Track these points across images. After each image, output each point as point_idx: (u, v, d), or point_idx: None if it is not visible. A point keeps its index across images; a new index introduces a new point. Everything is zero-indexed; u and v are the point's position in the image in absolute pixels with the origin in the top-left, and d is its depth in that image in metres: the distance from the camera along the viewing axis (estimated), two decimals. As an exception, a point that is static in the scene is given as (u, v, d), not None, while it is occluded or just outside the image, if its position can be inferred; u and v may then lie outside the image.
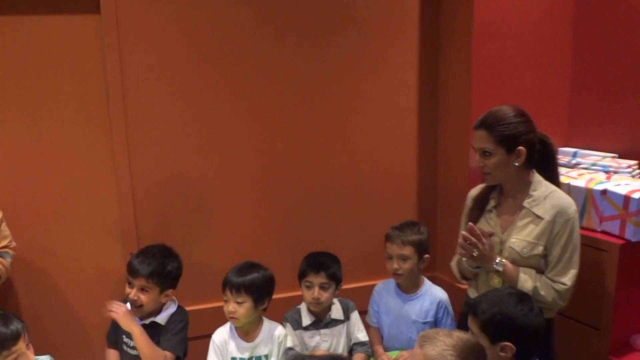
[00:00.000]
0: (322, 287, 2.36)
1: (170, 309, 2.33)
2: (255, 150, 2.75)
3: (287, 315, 2.46)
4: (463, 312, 2.17)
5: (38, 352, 2.07)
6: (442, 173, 3.02)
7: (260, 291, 2.27)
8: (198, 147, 2.67)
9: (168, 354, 2.21)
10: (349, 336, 2.47)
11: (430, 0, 2.87)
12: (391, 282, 2.55)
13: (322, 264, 2.37)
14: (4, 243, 2.31)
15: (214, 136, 2.68)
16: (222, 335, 2.34)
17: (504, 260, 2.07)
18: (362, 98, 2.85)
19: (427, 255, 2.45)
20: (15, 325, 1.91)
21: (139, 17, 2.48)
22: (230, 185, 2.75)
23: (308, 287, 2.38)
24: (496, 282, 2.11)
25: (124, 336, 2.30)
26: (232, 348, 2.32)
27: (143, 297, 2.21)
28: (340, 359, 1.59)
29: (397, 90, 2.90)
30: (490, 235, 2.09)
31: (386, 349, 2.51)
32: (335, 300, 2.47)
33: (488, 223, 2.17)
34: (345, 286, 2.55)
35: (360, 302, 2.58)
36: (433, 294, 2.49)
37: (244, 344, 2.32)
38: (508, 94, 2.74)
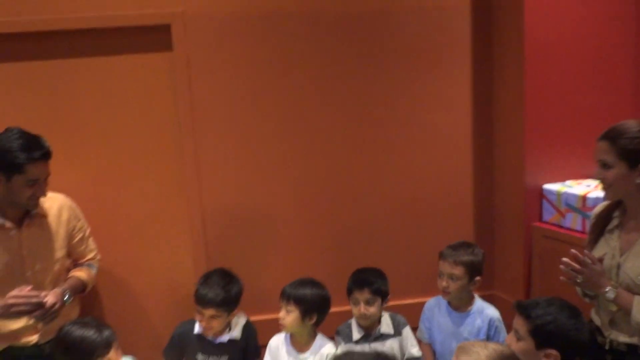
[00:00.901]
0: (368, 302, 2.43)
1: (241, 322, 2.53)
2: (314, 176, 2.89)
3: (339, 329, 2.56)
4: None
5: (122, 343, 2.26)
6: (499, 193, 3.03)
7: (309, 305, 2.39)
8: (260, 174, 2.84)
9: None
10: (402, 351, 2.52)
11: (482, 23, 2.91)
12: (442, 300, 2.59)
13: (365, 280, 2.46)
14: (90, 256, 2.57)
15: (274, 164, 2.85)
16: (277, 341, 2.51)
17: (616, 288, 1.92)
18: (417, 121, 2.93)
19: (478, 278, 2.48)
20: (108, 333, 2.08)
21: (208, 54, 2.71)
22: (290, 209, 2.90)
23: (355, 303, 2.47)
24: (611, 306, 1.96)
25: (199, 354, 2.49)
26: (284, 354, 2.46)
27: (215, 324, 2.42)
28: (385, 356, 1.67)
29: (451, 113, 2.96)
30: (600, 260, 1.96)
31: (440, 366, 2.55)
32: (385, 315, 2.53)
33: (607, 243, 2.03)
34: (397, 302, 2.64)
35: (412, 318, 2.64)
36: (484, 312, 2.51)
37: (295, 354, 2.45)
38: (564, 116, 2.75)
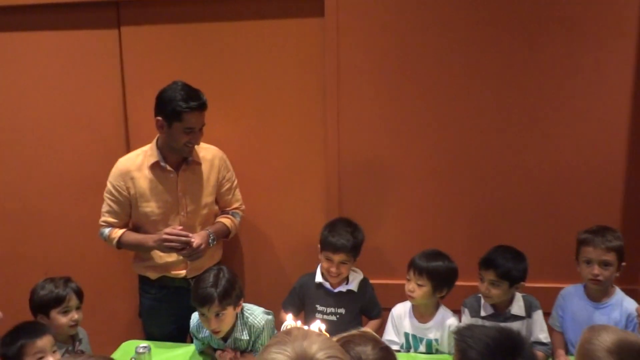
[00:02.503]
0: (492, 284, 2.36)
1: (358, 277, 2.61)
2: (455, 147, 2.82)
3: (466, 301, 2.52)
4: None
5: (251, 302, 2.45)
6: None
7: (440, 279, 2.39)
8: (401, 140, 2.83)
9: None
10: (529, 335, 2.42)
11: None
12: (580, 288, 2.46)
13: (492, 261, 2.37)
14: (236, 205, 2.78)
15: (417, 131, 2.82)
16: (400, 310, 2.54)
17: None
18: (569, 97, 2.74)
19: (624, 263, 2.34)
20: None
21: (357, 22, 2.75)
22: (428, 178, 2.86)
23: (481, 280, 2.42)
24: None
25: (317, 305, 2.60)
26: (407, 324, 2.49)
27: (344, 270, 2.52)
28: (509, 332, 1.60)
29: (608, 90, 2.72)
30: None
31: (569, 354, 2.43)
32: (518, 296, 2.44)
33: None
34: (531, 284, 2.52)
35: (545, 302, 2.52)
36: (624, 305, 2.36)
37: (417, 324, 2.47)
38: None
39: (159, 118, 2.45)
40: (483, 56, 2.74)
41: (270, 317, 2.38)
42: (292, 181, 2.97)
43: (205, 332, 2.33)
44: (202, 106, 2.45)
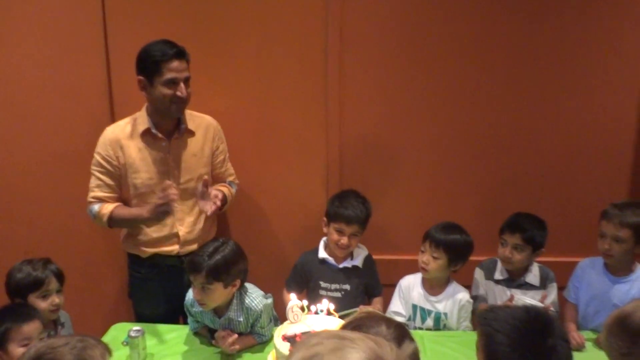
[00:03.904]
0: (515, 248, 2.33)
1: (363, 253, 2.53)
2: (459, 115, 2.73)
3: (483, 263, 2.51)
4: None
5: (249, 281, 2.30)
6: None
7: (456, 253, 2.33)
8: (404, 110, 2.74)
9: None
10: (539, 305, 2.38)
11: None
12: (599, 261, 2.39)
13: (519, 225, 2.35)
14: (230, 179, 2.62)
15: (420, 100, 2.72)
16: (409, 281, 2.47)
17: None
18: (584, 69, 2.65)
19: None
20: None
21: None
22: (431, 150, 2.78)
23: (502, 245, 2.38)
24: None
25: (321, 282, 2.50)
26: (415, 295, 2.43)
27: (354, 242, 2.45)
28: (538, 312, 1.51)
29: (625, 64, 2.63)
30: None
31: (579, 328, 2.38)
32: (535, 265, 2.42)
33: None
34: (547, 258, 2.47)
35: (560, 277, 2.46)
36: (643, 282, 2.27)
37: (427, 296, 2.41)
38: None
39: (141, 77, 2.30)
40: (493, 23, 2.63)
41: (269, 301, 2.28)
42: (292, 152, 2.84)
43: (199, 307, 2.21)
44: (180, 54, 2.28)
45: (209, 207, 2.26)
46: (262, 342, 2.25)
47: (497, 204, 2.75)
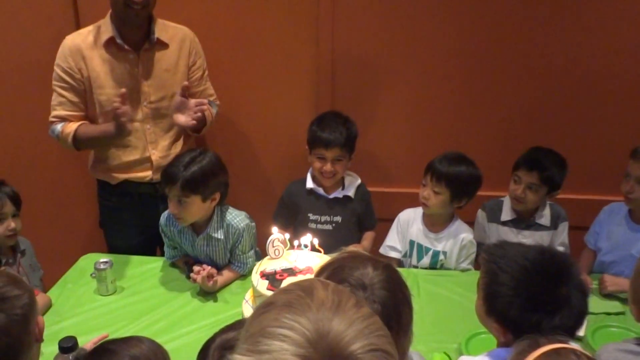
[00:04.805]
0: (530, 187, 2.13)
1: (355, 182, 2.36)
2: (463, 36, 2.46)
3: (485, 204, 2.32)
4: None
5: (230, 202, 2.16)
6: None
7: (460, 187, 2.13)
8: (403, 30, 2.47)
9: None
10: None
11: None
12: (623, 207, 2.18)
13: (538, 162, 2.13)
14: (211, 99, 2.36)
15: (421, 18, 2.45)
16: (408, 215, 2.31)
17: None
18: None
19: None
20: None
21: None
22: (432, 74, 2.52)
23: (515, 182, 2.16)
24: None
25: (309, 214, 2.34)
26: (414, 231, 2.27)
27: (339, 168, 2.24)
28: (554, 254, 1.33)
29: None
30: None
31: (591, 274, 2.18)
32: (546, 204, 2.22)
33: None
34: (565, 195, 2.26)
35: (579, 217, 2.29)
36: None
37: (427, 233, 2.25)
38: None
39: None
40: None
41: (253, 224, 2.15)
42: (278, 74, 2.59)
43: (177, 226, 2.11)
44: None
45: (185, 120, 2.05)
46: (243, 275, 2.11)
47: (509, 134, 2.53)
